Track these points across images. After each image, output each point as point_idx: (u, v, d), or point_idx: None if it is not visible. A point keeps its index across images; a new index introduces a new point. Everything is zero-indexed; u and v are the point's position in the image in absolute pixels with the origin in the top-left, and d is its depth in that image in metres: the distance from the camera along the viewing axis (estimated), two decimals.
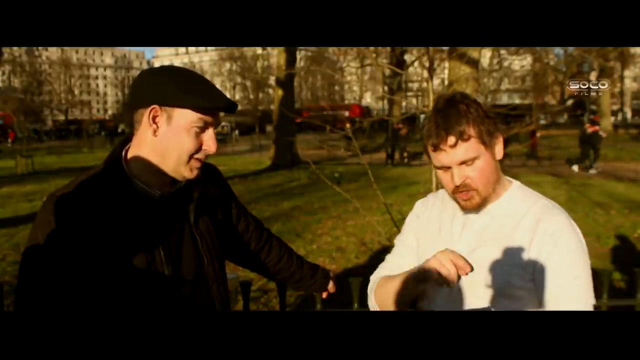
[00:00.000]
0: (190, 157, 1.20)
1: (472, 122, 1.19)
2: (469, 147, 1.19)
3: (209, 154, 1.23)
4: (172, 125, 1.17)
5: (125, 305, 1.17)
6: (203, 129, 1.20)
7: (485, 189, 1.23)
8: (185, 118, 1.17)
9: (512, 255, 1.22)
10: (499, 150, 1.25)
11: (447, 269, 1.10)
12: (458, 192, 1.23)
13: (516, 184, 1.32)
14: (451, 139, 1.18)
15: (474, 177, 1.21)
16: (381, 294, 1.40)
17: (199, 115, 1.17)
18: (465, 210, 1.27)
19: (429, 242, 1.38)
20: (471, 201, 1.24)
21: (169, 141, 1.18)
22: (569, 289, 1.17)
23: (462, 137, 1.18)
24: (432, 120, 1.22)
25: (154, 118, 1.17)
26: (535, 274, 1.20)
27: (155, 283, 1.19)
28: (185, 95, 1.15)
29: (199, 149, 1.20)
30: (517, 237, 1.23)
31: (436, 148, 1.21)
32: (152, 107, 1.16)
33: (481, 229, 1.28)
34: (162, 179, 1.23)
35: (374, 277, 1.49)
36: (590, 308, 1.19)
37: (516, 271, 1.21)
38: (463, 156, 1.19)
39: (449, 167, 1.22)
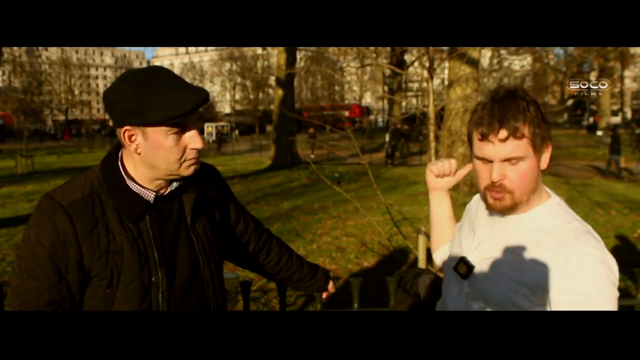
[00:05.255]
0: (180, 161, 1.19)
1: (529, 121, 1.11)
2: (519, 146, 1.11)
3: (198, 149, 1.21)
4: (150, 140, 1.16)
5: (118, 305, 1.17)
6: (182, 132, 1.18)
7: (520, 194, 1.15)
8: (159, 131, 1.15)
9: (523, 273, 1.16)
10: (546, 159, 1.18)
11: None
12: (491, 190, 1.16)
13: (555, 199, 1.23)
14: (503, 133, 1.11)
15: (513, 178, 1.14)
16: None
17: (171, 123, 1.14)
18: (491, 210, 1.21)
19: (459, 240, 1.36)
20: (501, 202, 1.16)
21: (153, 155, 1.17)
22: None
23: (515, 133, 1.10)
24: (488, 108, 1.13)
25: (129, 137, 1.17)
26: (550, 301, 1.13)
27: (149, 284, 1.20)
28: (151, 112, 1.12)
29: (184, 150, 1.19)
30: (535, 256, 1.15)
31: (484, 138, 1.13)
32: (125, 128, 1.16)
33: (502, 238, 1.22)
34: (157, 182, 1.23)
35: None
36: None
37: (523, 291, 1.16)
38: (510, 153, 1.12)
39: (490, 161, 1.15)
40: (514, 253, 1.19)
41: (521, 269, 1.16)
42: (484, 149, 1.14)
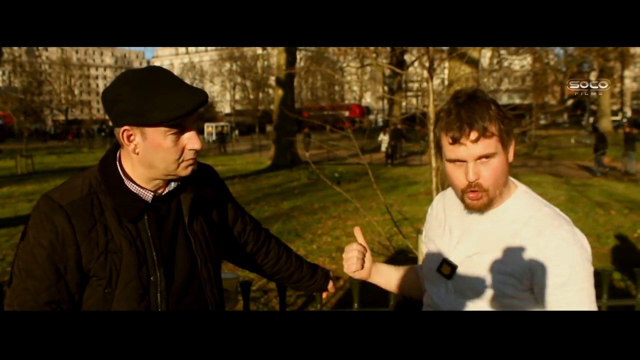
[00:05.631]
0: (178, 161, 1.19)
1: (494, 119, 1.18)
2: (489, 144, 1.18)
3: (196, 150, 1.21)
4: (148, 140, 1.16)
5: (117, 305, 1.18)
6: (181, 132, 1.18)
7: (494, 190, 1.21)
8: (158, 131, 1.15)
9: (507, 265, 1.21)
10: (512, 152, 1.24)
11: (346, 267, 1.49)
12: (468, 191, 1.22)
13: (521, 188, 1.30)
14: (474, 134, 1.17)
15: (487, 176, 1.19)
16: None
17: (170, 124, 1.15)
18: (470, 210, 1.26)
19: (433, 241, 1.39)
20: (479, 201, 1.22)
21: (151, 155, 1.18)
22: (573, 301, 1.16)
23: (485, 133, 1.17)
24: (453, 113, 1.19)
25: (128, 137, 1.17)
26: (535, 287, 1.19)
27: (147, 283, 1.20)
28: (150, 113, 1.12)
29: (183, 151, 1.19)
30: (516, 247, 1.21)
31: (456, 141, 1.18)
32: (123, 128, 1.16)
33: (481, 234, 1.26)
34: (155, 182, 1.23)
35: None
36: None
37: (511, 281, 1.20)
38: (482, 151, 1.18)
39: (463, 162, 1.20)
40: (495, 247, 1.24)
41: (505, 261, 1.22)
42: (457, 151, 1.20)
